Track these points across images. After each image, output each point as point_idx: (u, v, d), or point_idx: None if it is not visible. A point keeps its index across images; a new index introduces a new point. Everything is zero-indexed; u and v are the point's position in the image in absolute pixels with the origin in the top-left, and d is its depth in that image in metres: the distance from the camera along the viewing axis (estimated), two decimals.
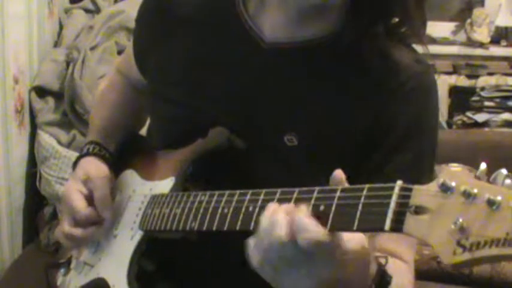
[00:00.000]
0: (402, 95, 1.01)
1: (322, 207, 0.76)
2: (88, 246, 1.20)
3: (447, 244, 0.62)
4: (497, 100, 2.96)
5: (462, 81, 3.07)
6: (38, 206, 2.10)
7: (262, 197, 0.85)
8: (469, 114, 2.98)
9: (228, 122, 1.03)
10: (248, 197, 0.87)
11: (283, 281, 0.79)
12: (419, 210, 0.65)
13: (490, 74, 3.08)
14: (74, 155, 1.98)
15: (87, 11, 2.32)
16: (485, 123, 2.95)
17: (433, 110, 1.07)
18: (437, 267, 1.95)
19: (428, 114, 1.06)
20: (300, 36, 1.01)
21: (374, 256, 0.85)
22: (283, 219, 0.76)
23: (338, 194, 0.75)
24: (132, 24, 2.22)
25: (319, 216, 0.75)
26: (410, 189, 0.67)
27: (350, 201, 0.73)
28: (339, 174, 0.80)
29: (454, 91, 3.10)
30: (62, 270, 1.25)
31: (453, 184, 0.63)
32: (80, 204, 1.13)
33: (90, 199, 1.15)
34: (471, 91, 3.03)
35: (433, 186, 0.65)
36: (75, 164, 1.23)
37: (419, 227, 0.65)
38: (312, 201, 0.77)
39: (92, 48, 2.11)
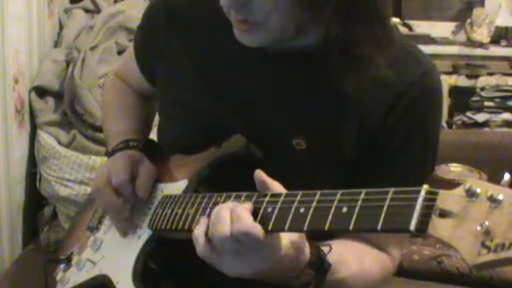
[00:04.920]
0: (404, 101, 1.02)
1: (345, 209, 0.78)
2: (90, 243, 1.21)
3: (472, 245, 0.65)
4: (497, 100, 2.97)
5: (462, 81, 3.08)
6: (38, 206, 2.10)
7: (282, 198, 0.85)
8: (469, 114, 2.99)
9: (238, 125, 1.04)
10: (267, 198, 0.87)
11: (224, 266, 0.88)
12: (444, 214, 0.68)
13: (490, 74, 3.09)
14: (74, 155, 1.98)
15: (87, 11, 2.32)
16: (485, 123, 2.96)
17: (435, 114, 1.08)
18: (437, 267, 1.95)
19: (430, 120, 1.07)
20: (301, 42, 1.01)
21: (308, 244, 0.91)
22: (227, 215, 0.85)
23: (362, 196, 0.77)
24: (132, 24, 2.23)
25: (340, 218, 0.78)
26: (436, 193, 0.70)
27: (374, 203, 0.75)
28: (259, 174, 0.89)
29: (454, 91, 3.10)
30: (62, 266, 1.25)
31: (478, 190, 0.67)
32: (126, 170, 1.12)
33: (132, 178, 1.13)
34: (471, 91, 3.04)
35: (458, 192, 0.68)
36: (115, 151, 1.19)
37: (444, 230, 0.68)
38: (335, 203, 0.79)
39: (92, 48, 2.11)
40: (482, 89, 3.00)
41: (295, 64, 1.03)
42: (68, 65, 2.09)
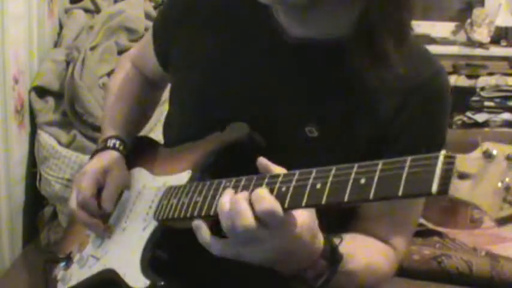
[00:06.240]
0: (415, 99, 1.03)
1: (363, 181, 0.78)
2: (92, 240, 1.21)
3: (493, 201, 0.68)
4: (497, 100, 2.97)
5: (462, 81, 3.07)
6: (38, 206, 2.09)
7: (296, 177, 0.85)
8: (469, 114, 2.99)
9: (251, 112, 1.05)
10: (280, 179, 0.87)
11: (244, 256, 0.89)
12: (463, 175, 0.71)
13: (490, 74, 3.08)
14: (74, 155, 1.98)
15: (87, 11, 2.32)
16: (485, 123, 2.96)
17: (444, 114, 1.11)
18: (437, 267, 1.95)
19: (439, 119, 1.09)
20: (317, 34, 1.03)
21: (321, 234, 0.93)
22: (245, 206, 0.85)
23: (380, 167, 0.78)
24: (132, 24, 2.23)
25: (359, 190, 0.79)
26: (454, 157, 0.72)
27: (393, 171, 0.76)
28: (261, 161, 0.90)
29: (454, 91, 3.08)
30: (62, 265, 1.25)
31: (495, 152, 0.70)
32: (88, 188, 1.16)
33: (100, 190, 1.18)
34: (471, 91, 3.03)
35: (476, 154, 0.71)
36: (96, 151, 1.25)
37: (465, 190, 0.70)
38: (352, 176, 0.80)
39: (92, 48, 2.10)
40: (482, 89, 2.99)
41: (316, 54, 1.05)
42: (68, 65, 2.09)
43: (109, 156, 1.22)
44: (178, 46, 1.17)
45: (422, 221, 2.08)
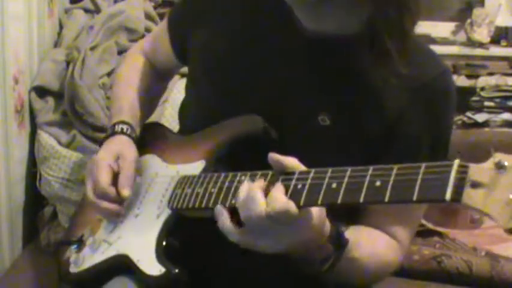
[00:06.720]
0: (422, 97, 1.05)
1: (378, 183, 0.81)
2: (104, 225, 1.22)
3: (504, 212, 0.71)
4: (497, 100, 2.97)
5: (462, 81, 3.07)
6: (38, 206, 2.09)
7: (312, 175, 0.87)
8: (469, 114, 2.99)
9: (266, 102, 1.06)
10: (296, 176, 0.88)
11: (260, 246, 0.91)
12: (475, 185, 0.73)
13: (490, 74, 3.08)
14: (74, 155, 1.98)
15: (87, 11, 2.32)
16: (485, 123, 2.96)
17: (449, 113, 1.14)
18: (437, 267, 1.95)
19: (444, 118, 1.11)
20: (330, 29, 1.04)
21: (328, 220, 0.96)
22: (259, 195, 0.88)
23: (395, 171, 0.80)
24: (132, 24, 2.23)
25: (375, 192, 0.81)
26: (467, 166, 0.75)
27: (408, 176, 0.78)
28: (272, 155, 0.92)
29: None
30: (74, 247, 1.26)
31: (506, 163, 0.72)
32: (104, 177, 1.16)
33: (116, 176, 1.18)
34: (471, 91, 3.03)
35: (488, 165, 0.73)
36: (105, 138, 1.26)
37: (477, 199, 0.73)
38: (368, 178, 0.82)
39: (92, 48, 2.10)
40: (482, 89, 2.99)
41: (328, 48, 1.08)
42: (68, 65, 2.09)
43: (118, 141, 1.24)
44: (196, 37, 1.19)
45: (422, 221, 2.08)
